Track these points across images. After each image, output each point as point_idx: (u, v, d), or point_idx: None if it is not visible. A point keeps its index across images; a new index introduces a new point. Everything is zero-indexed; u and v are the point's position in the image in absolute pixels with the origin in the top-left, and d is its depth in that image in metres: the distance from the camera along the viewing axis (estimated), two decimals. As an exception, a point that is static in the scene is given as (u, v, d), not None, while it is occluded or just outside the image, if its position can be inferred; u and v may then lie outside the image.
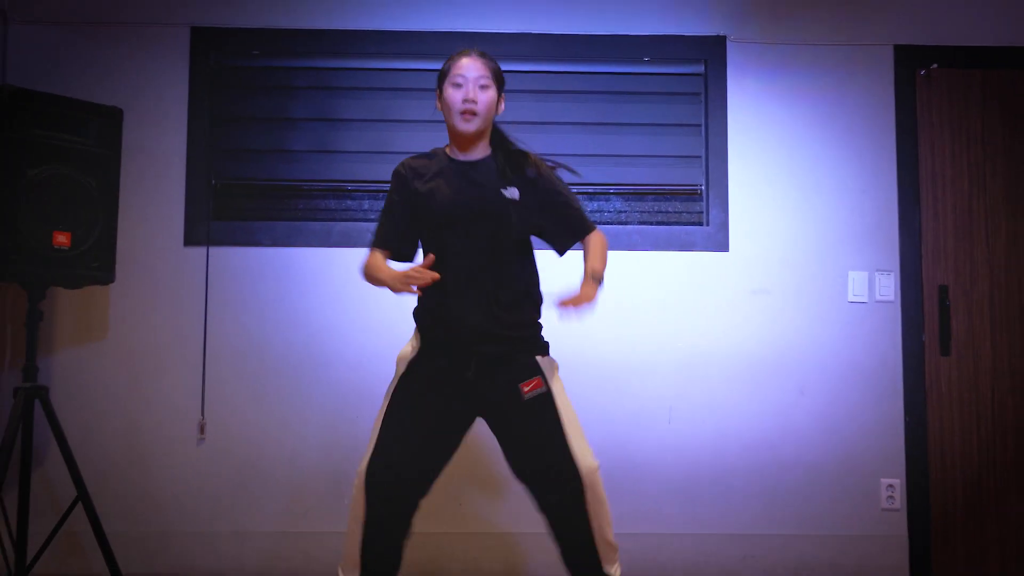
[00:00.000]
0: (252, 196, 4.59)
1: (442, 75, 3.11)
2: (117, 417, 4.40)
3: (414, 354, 3.07)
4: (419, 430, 2.98)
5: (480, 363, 2.99)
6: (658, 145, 4.61)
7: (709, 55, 4.62)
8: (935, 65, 4.62)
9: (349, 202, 4.60)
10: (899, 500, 4.44)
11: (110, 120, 4.12)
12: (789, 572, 4.38)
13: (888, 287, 4.53)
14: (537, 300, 3.12)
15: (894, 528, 4.44)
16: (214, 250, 4.48)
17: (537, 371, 3.01)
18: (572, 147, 4.53)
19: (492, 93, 3.06)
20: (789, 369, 4.49)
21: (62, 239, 3.93)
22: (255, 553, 4.35)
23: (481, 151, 3.12)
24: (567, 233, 3.14)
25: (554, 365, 3.07)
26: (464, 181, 3.06)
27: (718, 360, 4.48)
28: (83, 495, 3.98)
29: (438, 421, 3.01)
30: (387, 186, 4.50)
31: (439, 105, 3.13)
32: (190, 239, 4.49)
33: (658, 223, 4.59)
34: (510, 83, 4.54)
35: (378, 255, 3.13)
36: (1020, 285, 4.55)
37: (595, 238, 3.12)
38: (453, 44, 4.49)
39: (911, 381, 4.48)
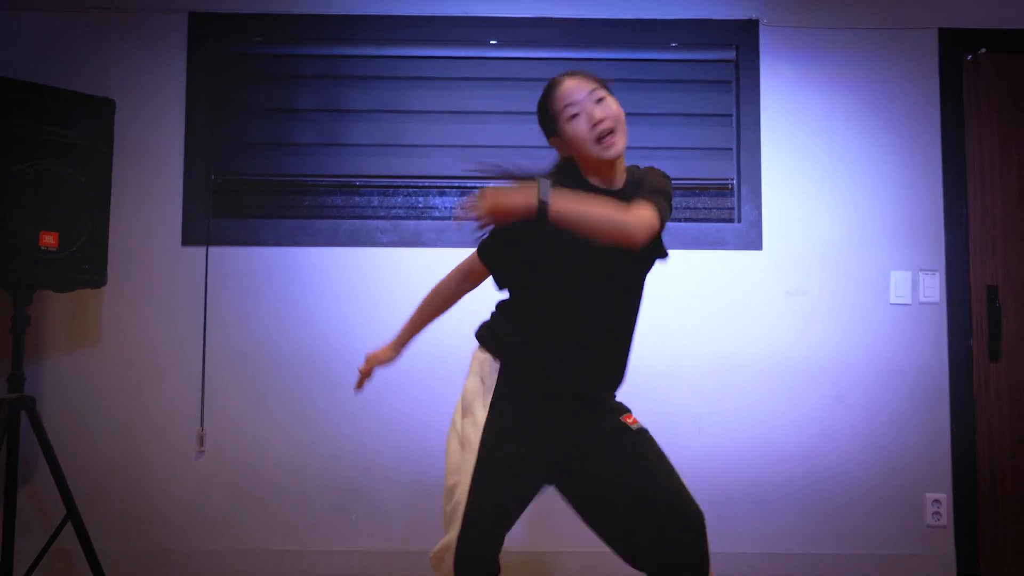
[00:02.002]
0: (254, 192, 4.55)
1: (546, 115, 2.67)
2: (111, 428, 4.35)
3: (493, 391, 2.66)
4: (513, 491, 2.59)
5: (575, 408, 2.66)
6: (686, 136, 4.53)
7: (741, 40, 4.54)
8: (983, 50, 4.52)
9: (357, 198, 4.55)
10: (945, 516, 4.33)
11: (102, 112, 4.07)
12: (828, 593, 4.24)
13: (933, 288, 4.43)
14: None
15: (940, 547, 4.33)
16: (214, 250, 4.42)
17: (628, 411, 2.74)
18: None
19: (613, 101, 2.62)
20: (827, 375, 4.39)
21: (49, 239, 3.86)
22: (258, 573, 4.29)
23: (621, 175, 2.67)
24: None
25: None
26: None
27: (751, 366, 4.39)
28: (72, 512, 3.91)
29: (529, 476, 2.64)
30: (398, 182, 4.56)
31: (563, 150, 2.70)
32: (188, 238, 4.44)
33: (687, 220, 4.51)
34: (528, 71, 4.50)
35: (452, 276, 2.93)
36: (1075, 285, 4.39)
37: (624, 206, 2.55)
38: (468, 30, 4.54)
39: (958, 388, 4.38)
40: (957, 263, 4.42)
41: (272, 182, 4.52)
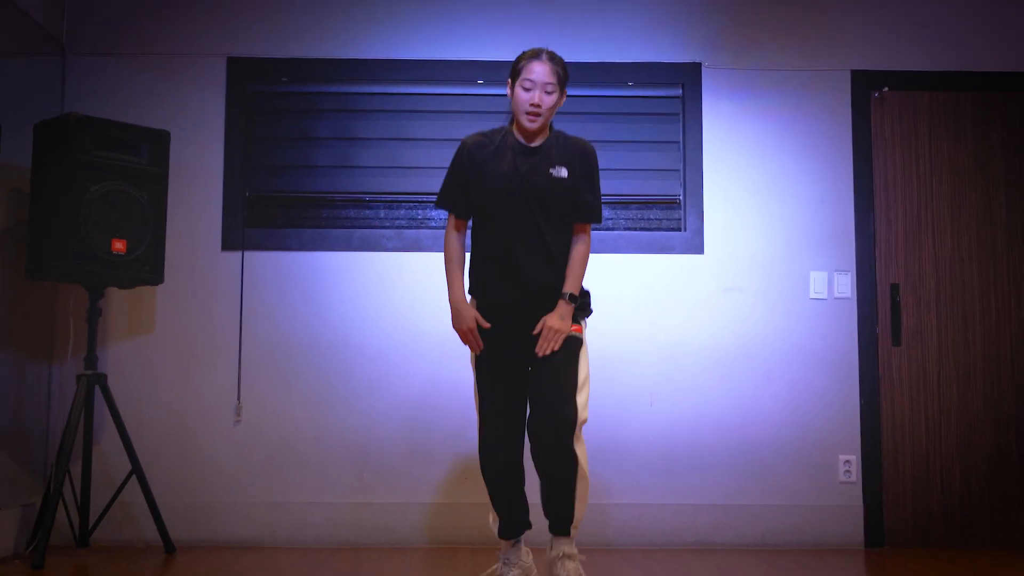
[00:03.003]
0: (281, 206, 5.06)
1: (515, 72, 3.55)
2: (165, 402, 4.90)
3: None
4: (508, 391, 3.55)
5: (536, 297, 3.52)
6: (641, 160, 5.10)
7: (686, 79, 5.13)
8: (887, 88, 5.14)
9: (367, 211, 5.07)
10: (855, 474, 4.94)
11: (159, 141, 4.63)
12: (757, 538, 4.90)
13: (846, 285, 5.04)
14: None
15: (850, 499, 4.94)
16: (248, 254, 4.98)
17: (576, 320, 3.57)
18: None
19: (555, 97, 3.51)
20: (758, 358, 4.99)
21: (119, 245, 4.44)
22: (286, 521, 4.84)
23: (540, 138, 3.58)
24: (575, 212, 3.60)
25: (585, 326, 3.66)
26: (522, 159, 3.54)
27: (694, 351, 4.99)
28: (137, 469, 4.52)
29: (517, 373, 3.56)
30: (401, 197, 5.03)
31: (508, 94, 3.56)
32: (227, 244, 4.99)
33: (641, 229, 5.08)
34: (509, 105, 4.99)
35: (455, 241, 3.68)
36: (963, 283, 5.08)
37: (580, 248, 3.59)
38: (459, 71, 5.09)
39: (866, 369, 5.00)
40: (866, 265, 5.03)
41: (296, 197, 5.05)
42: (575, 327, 3.54)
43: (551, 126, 3.65)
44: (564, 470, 3.42)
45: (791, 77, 5.15)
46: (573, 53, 5.03)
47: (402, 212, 5.09)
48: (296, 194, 5.08)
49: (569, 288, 3.52)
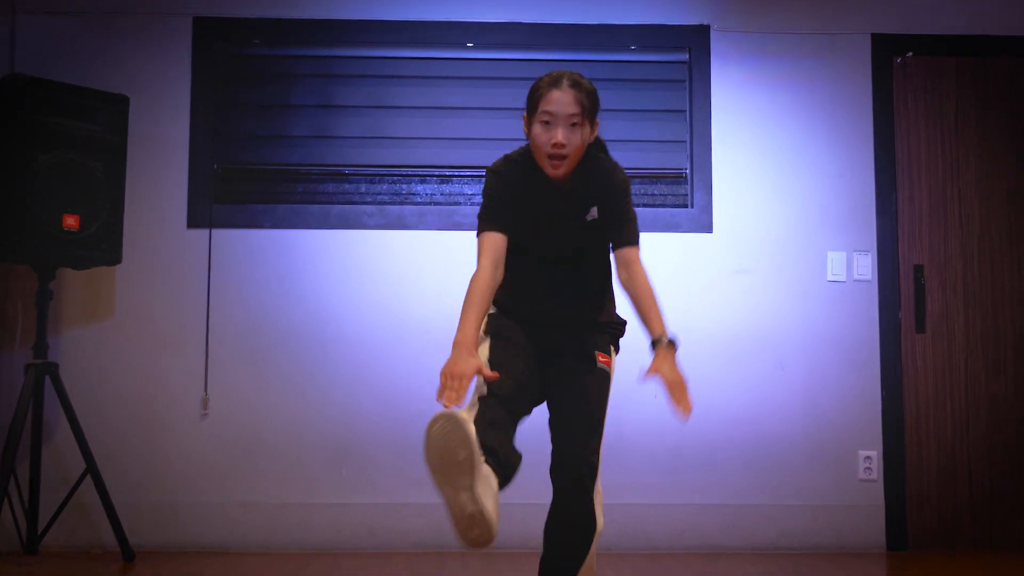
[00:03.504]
0: (253, 180, 4.83)
1: (531, 103, 2.88)
2: (124, 393, 4.63)
3: (495, 309, 3.00)
4: (521, 355, 2.90)
5: (563, 324, 2.99)
6: (644, 130, 4.85)
7: (693, 43, 4.87)
8: (911, 53, 4.86)
9: (347, 186, 4.83)
10: (876, 471, 4.69)
11: (117, 107, 4.37)
12: (769, 541, 4.63)
13: (866, 267, 4.78)
14: (613, 299, 3.10)
15: (871, 498, 4.69)
16: (216, 232, 4.71)
17: (606, 349, 3.01)
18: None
19: (584, 131, 2.84)
20: (770, 346, 4.73)
21: (71, 221, 4.17)
22: (258, 523, 4.59)
23: (569, 173, 2.93)
24: (617, 241, 3.03)
25: (615, 356, 3.08)
26: (552, 198, 2.95)
27: (701, 337, 4.69)
28: (92, 467, 4.24)
29: (534, 366, 2.93)
30: (384, 171, 4.80)
31: (525, 131, 2.92)
32: (193, 221, 4.72)
33: (644, 205, 4.81)
34: (501, 71, 4.79)
35: (486, 274, 2.87)
36: (992, 265, 4.79)
37: (641, 278, 2.98)
38: (447, 33, 4.81)
39: (887, 357, 4.73)
40: (887, 245, 4.78)
41: (269, 170, 4.81)
42: (604, 358, 2.98)
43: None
44: (579, 533, 2.90)
45: (806, 41, 4.89)
46: (571, 14, 4.83)
47: (384, 187, 4.86)
48: (269, 166, 4.85)
49: (660, 328, 2.90)
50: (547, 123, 2.80)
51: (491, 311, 2.99)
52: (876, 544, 4.65)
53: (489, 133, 4.77)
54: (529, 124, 2.88)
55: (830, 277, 4.77)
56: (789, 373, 4.72)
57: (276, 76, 4.87)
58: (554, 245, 3.00)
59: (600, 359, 2.96)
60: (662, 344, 2.86)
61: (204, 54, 4.78)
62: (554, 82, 2.82)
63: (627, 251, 2.97)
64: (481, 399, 2.79)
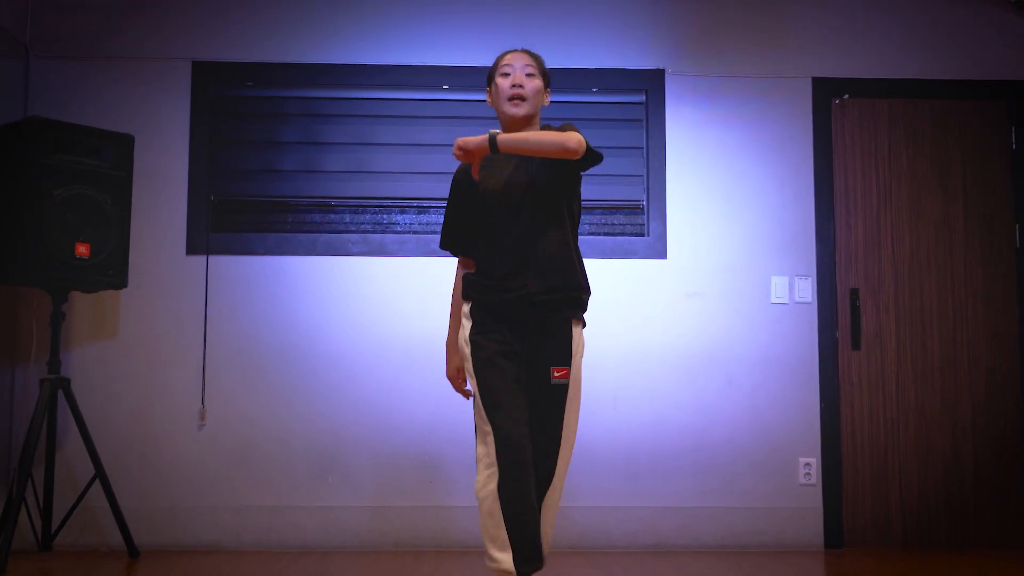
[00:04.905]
0: (247, 211, 5.08)
1: (491, 72, 3.26)
2: (128, 406, 4.90)
3: (473, 329, 3.17)
4: (514, 397, 3.08)
5: (535, 325, 3.14)
6: (605, 165, 4.81)
7: (649, 86, 5.19)
8: (847, 95, 5.22)
9: (332, 216, 5.10)
10: (815, 476, 5.01)
11: (123, 145, 4.64)
12: (717, 540, 4.96)
13: (806, 290, 5.11)
14: (579, 264, 3.23)
15: (810, 501, 5.01)
16: (213, 258, 4.99)
17: (567, 359, 3.15)
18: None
19: (538, 82, 3.21)
20: (719, 363, 5.05)
21: (83, 249, 4.45)
22: (250, 525, 4.86)
23: (530, 129, 3.20)
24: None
25: (581, 344, 3.22)
26: (512, 162, 3.19)
27: (657, 354, 5.04)
28: (100, 473, 4.53)
29: (517, 378, 3.12)
30: (367, 202, 5.06)
31: (489, 99, 3.28)
32: (192, 249, 4.99)
33: (605, 234, 5.14)
34: (474, 111, 5.09)
35: (460, 277, 3.32)
36: (921, 287, 5.16)
37: (553, 131, 3.13)
38: (425, 76, 5.12)
39: (826, 372, 5.07)
40: (826, 270, 5.11)
41: (261, 202, 5.07)
42: (561, 372, 3.14)
43: (539, 123, 3.31)
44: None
45: (753, 84, 5.22)
46: None
47: (367, 217, 5.12)
48: (261, 198, 5.11)
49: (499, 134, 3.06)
50: (506, 74, 3.21)
51: (468, 319, 3.18)
52: (814, 543, 4.97)
53: (463, 167, 5.07)
54: (491, 89, 3.26)
55: (774, 299, 5.08)
56: (736, 387, 5.03)
57: (267, 116, 5.12)
58: (521, 201, 3.14)
59: (556, 375, 3.14)
60: (497, 136, 3.02)
61: (202, 95, 5.05)
62: (507, 51, 3.27)
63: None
64: (504, 466, 3.00)
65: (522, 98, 3.18)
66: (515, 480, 3.01)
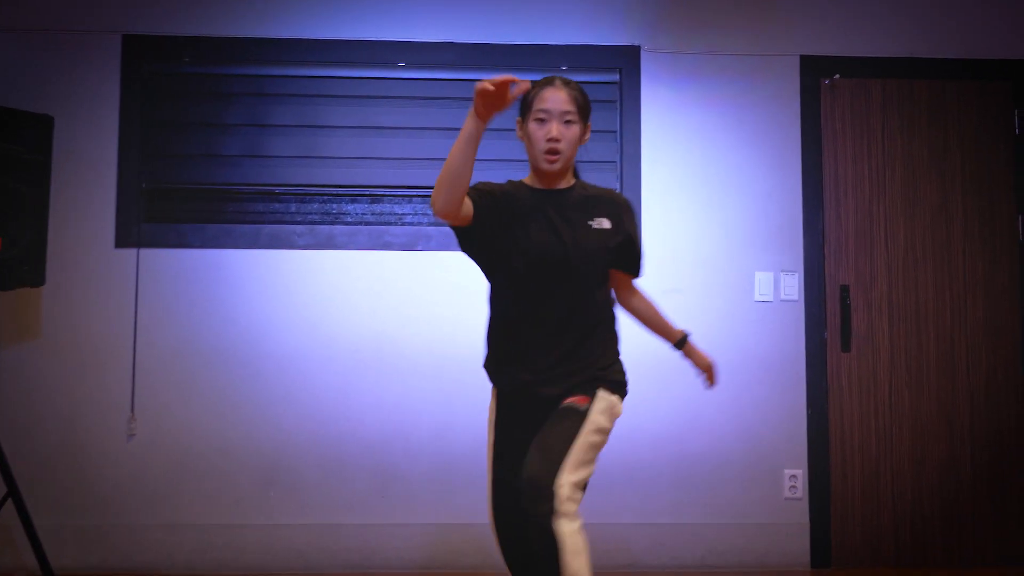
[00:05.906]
0: (183, 199, 4.72)
1: (524, 105, 2.94)
2: (50, 414, 4.54)
3: (498, 414, 3.04)
4: (519, 450, 2.90)
5: (563, 368, 2.93)
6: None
7: (624, 64, 4.83)
8: (838, 75, 4.86)
9: (277, 205, 4.74)
10: (801, 489, 4.68)
11: (41, 127, 4.24)
12: (696, 559, 4.62)
13: (792, 287, 4.77)
14: (615, 333, 3.08)
15: (796, 516, 4.68)
16: (144, 252, 4.62)
17: (591, 394, 2.93)
18: (494, 152, 4.69)
19: (576, 129, 2.91)
20: None
21: None
22: (186, 545, 4.52)
23: (565, 182, 2.99)
24: (624, 265, 3.08)
25: (612, 405, 2.96)
26: (555, 211, 2.93)
27: (629, 357, 4.52)
28: (13, 490, 4.09)
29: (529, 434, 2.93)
30: (315, 190, 4.70)
31: (519, 132, 2.98)
32: (121, 241, 4.63)
33: None
34: (433, 90, 4.75)
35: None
36: (916, 284, 4.80)
37: (647, 299, 3.22)
38: (379, 52, 4.73)
39: (813, 376, 4.73)
40: (814, 265, 4.77)
41: (199, 190, 4.71)
42: (582, 398, 2.89)
43: (575, 171, 3.04)
44: (541, 551, 2.73)
45: (736, 62, 4.86)
46: (503, 34, 4.80)
47: (315, 206, 4.77)
48: (198, 186, 4.74)
49: (678, 329, 3.25)
50: (542, 120, 2.88)
51: (494, 399, 3.05)
52: (800, 561, 4.64)
53: (421, 153, 4.72)
54: (524, 126, 2.94)
55: (757, 297, 4.75)
56: (716, 392, 4.69)
57: (206, 95, 4.76)
58: (561, 267, 2.88)
59: (570, 400, 2.87)
60: (688, 341, 3.20)
61: (133, 72, 4.68)
62: (547, 82, 2.91)
63: (635, 280, 3.17)
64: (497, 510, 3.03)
65: (557, 152, 2.89)
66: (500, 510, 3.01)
